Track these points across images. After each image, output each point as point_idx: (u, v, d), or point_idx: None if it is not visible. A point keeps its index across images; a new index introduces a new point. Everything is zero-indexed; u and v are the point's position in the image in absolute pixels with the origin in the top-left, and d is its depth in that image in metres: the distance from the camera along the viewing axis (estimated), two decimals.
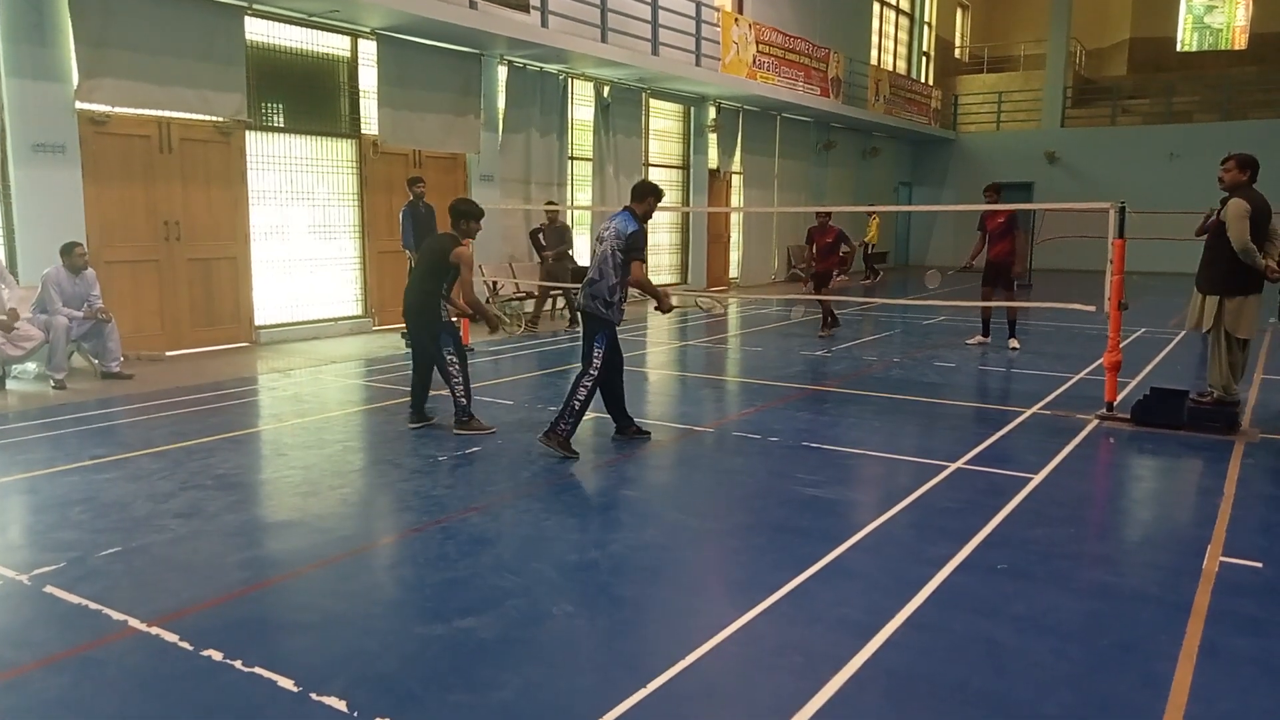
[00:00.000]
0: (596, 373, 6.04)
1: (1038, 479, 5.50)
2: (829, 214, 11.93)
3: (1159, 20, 29.48)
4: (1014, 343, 10.63)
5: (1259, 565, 4.20)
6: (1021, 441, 6.45)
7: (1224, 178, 6.63)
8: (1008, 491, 5.25)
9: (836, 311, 12.49)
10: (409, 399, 6.93)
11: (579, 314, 6.33)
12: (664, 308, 6.34)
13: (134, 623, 3.54)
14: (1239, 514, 4.90)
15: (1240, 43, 28.96)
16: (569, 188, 14.88)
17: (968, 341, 11.09)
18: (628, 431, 6.50)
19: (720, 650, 3.37)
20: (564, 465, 5.81)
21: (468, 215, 6.67)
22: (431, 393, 6.92)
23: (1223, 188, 6.65)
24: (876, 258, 21.91)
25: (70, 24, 8.60)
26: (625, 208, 6.21)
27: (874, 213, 21.57)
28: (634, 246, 6.01)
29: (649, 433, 6.56)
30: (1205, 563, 4.21)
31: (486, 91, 13.05)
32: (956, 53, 31.78)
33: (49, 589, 3.85)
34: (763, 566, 4.19)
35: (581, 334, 6.21)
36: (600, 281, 6.00)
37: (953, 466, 5.76)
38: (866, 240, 21.67)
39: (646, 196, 6.17)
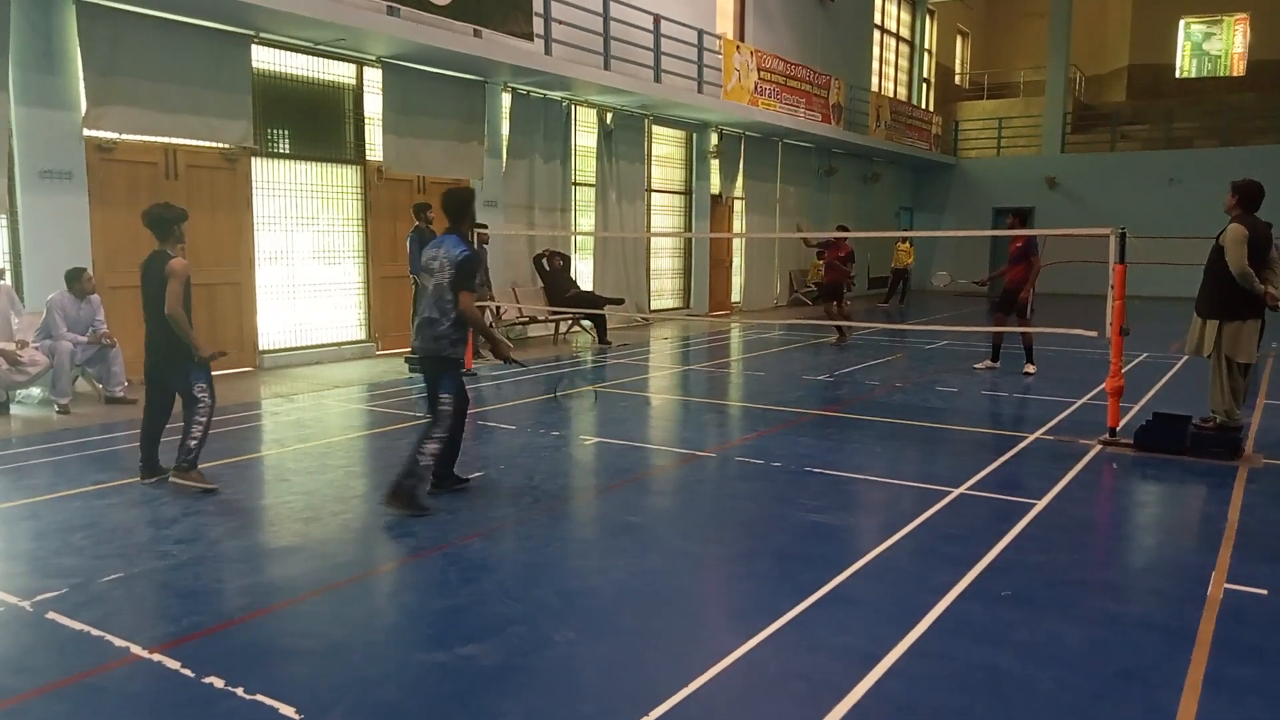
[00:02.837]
0: (450, 423, 5.39)
1: (1041, 505, 5.49)
2: (847, 231, 12.24)
3: (1157, 47, 29.70)
4: (1030, 368, 10.54)
5: (1264, 593, 4.18)
6: (1024, 467, 6.45)
7: (1229, 200, 6.70)
8: (1011, 517, 5.24)
9: (845, 329, 12.69)
10: (141, 451, 5.96)
11: (422, 361, 5.53)
12: (500, 354, 5.55)
13: (135, 649, 3.54)
14: (1243, 540, 4.89)
15: (1239, 69, 29.15)
16: (572, 213, 14.97)
17: (975, 366, 11.06)
18: (446, 486, 5.67)
19: (722, 678, 3.36)
20: (565, 492, 5.81)
21: (171, 221, 5.64)
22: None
23: (1226, 210, 6.72)
24: (881, 281, 21.90)
25: (79, 52, 8.70)
26: (448, 231, 5.52)
27: (907, 239, 21.50)
28: (466, 275, 5.30)
29: (469, 480, 5.89)
30: (1209, 590, 4.20)
31: (490, 118, 13.15)
32: (956, 79, 32.02)
33: (51, 615, 3.85)
34: (765, 593, 4.18)
35: (425, 382, 5.62)
36: (440, 320, 5.33)
37: (956, 492, 5.75)
38: (903, 265, 21.49)
39: (467, 210, 5.56)
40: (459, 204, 5.59)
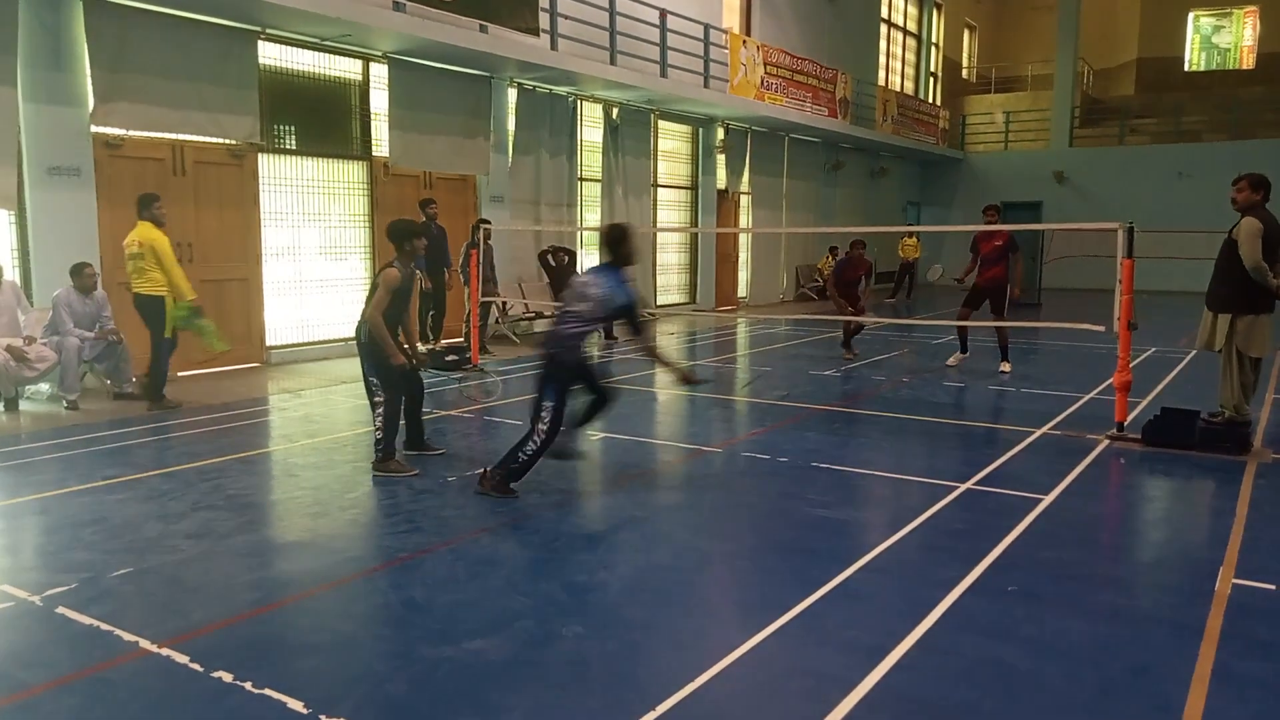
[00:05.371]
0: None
1: (1048, 500, 5.48)
2: (864, 244, 11.98)
3: (1166, 40, 29.55)
4: (1005, 366, 10.32)
5: (1272, 588, 4.17)
6: (1031, 462, 6.43)
7: (1237, 198, 6.65)
8: (1018, 512, 5.23)
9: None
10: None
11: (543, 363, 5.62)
12: (688, 379, 6.08)
13: (145, 644, 3.56)
14: (1251, 535, 4.87)
15: (1248, 62, 28.99)
16: (578, 208, 14.97)
17: (948, 363, 10.90)
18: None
19: (729, 673, 3.36)
20: (574, 486, 5.81)
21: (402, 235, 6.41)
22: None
23: (1236, 208, 6.67)
24: (888, 275, 21.78)
25: (86, 49, 8.72)
26: (607, 264, 5.64)
27: (913, 233, 21.29)
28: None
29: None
30: (1217, 585, 4.19)
31: (496, 114, 13.15)
32: (964, 73, 31.88)
33: (61, 610, 3.87)
34: (772, 588, 4.19)
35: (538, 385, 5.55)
36: (583, 329, 5.53)
37: (962, 487, 5.74)
38: (909, 259, 21.29)
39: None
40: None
